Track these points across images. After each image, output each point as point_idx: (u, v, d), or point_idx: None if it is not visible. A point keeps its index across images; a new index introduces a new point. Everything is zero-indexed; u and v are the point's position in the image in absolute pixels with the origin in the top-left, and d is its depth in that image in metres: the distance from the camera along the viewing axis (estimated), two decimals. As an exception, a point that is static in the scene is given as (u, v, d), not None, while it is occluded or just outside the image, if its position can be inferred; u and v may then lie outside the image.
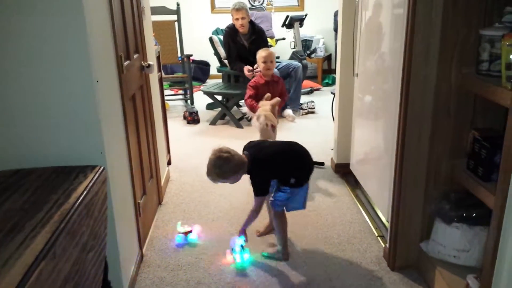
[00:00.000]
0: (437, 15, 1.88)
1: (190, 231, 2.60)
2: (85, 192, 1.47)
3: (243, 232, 2.39)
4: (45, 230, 1.23)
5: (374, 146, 2.76)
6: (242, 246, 2.38)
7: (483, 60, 1.76)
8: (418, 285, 2.15)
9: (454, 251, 2.02)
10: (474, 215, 1.96)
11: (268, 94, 3.14)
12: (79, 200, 1.42)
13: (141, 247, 2.39)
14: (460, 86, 1.95)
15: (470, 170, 1.90)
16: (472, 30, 1.88)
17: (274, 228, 2.49)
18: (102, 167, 1.69)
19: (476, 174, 1.84)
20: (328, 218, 2.80)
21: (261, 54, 3.55)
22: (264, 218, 2.60)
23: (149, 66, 2.62)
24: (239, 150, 2.31)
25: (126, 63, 2.17)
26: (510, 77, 1.49)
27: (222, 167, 2.17)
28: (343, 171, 3.37)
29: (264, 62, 3.52)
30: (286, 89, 3.88)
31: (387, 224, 2.39)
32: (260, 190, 2.27)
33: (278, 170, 2.30)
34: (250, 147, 2.37)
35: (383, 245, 2.44)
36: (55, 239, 1.21)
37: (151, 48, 3.04)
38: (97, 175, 1.61)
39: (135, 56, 2.45)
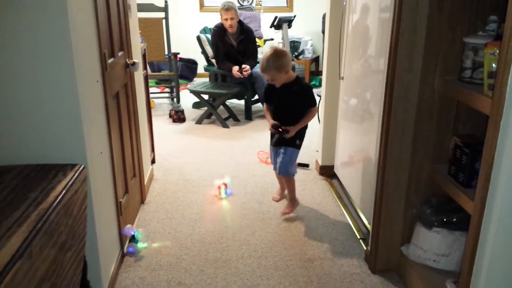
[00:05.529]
0: (422, 22, 1.89)
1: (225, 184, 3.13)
2: (64, 191, 1.45)
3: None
4: (21, 229, 1.21)
5: (358, 149, 2.77)
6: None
7: (466, 67, 1.78)
8: (398, 288, 2.18)
9: (434, 255, 2.04)
10: (454, 220, 1.98)
11: None
12: (58, 199, 1.40)
13: (122, 247, 2.37)
14: (443, 92, 1.97)
15: (451, 175, 1.91)
16: (456, 38, 1.90)
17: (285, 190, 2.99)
18: (82, 166, 1.67)
19: (457, 180, 1.86)
20: (311, 220, 2.80)
21: None
22: (274, 186, 3.16)
23: (134, 64, 2.59)
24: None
25: (110, 60, 2.15)
26: (491, 85, 1.51)
27: (281, 57, 2.54)
28: (328, 173, 3.38)
29: None
30: None
31: (369, 227, 2.40)
32: (315, 100, 2.73)
33: None
34: None
35: (365, 248, 2.45)
36: (31, 239, 1.19)
37: (137, 45, 3.02)
38: (77, 174, 1.59)
39: (120, 53, 2.42)
